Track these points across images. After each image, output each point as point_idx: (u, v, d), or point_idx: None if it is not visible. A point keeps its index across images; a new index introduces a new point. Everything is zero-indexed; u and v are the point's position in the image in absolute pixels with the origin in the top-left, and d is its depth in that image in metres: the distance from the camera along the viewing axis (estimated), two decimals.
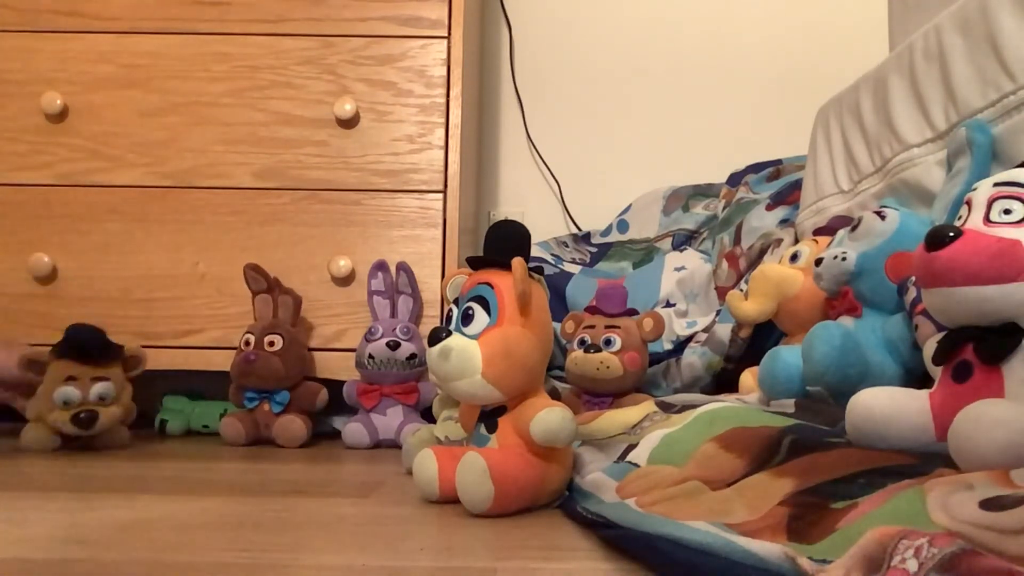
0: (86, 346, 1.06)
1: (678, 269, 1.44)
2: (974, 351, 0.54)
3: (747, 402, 0.88)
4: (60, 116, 1.31)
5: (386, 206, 1.32)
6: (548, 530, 0.64)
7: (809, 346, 0.81)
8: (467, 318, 0.71)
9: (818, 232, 1.04)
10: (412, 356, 1.20)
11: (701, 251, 1.49)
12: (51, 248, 1.30)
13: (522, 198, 1.78)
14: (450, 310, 0.74)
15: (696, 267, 1.43)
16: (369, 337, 1.20)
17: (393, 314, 1.25)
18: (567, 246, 1.67)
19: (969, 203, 0.58)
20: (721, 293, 1.33)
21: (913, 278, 0.77)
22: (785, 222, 1.33)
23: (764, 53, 1.77)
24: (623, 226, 1.67)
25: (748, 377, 1.03)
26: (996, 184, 0.57)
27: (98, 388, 1.04)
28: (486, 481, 0.66)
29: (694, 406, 0.79)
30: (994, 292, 0.53)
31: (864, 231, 0.83)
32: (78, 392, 1.04)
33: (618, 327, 1.08)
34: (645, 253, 1.60)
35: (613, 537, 0.56)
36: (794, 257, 1.01)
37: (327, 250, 1.31)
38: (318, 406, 1.23)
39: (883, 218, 0.83)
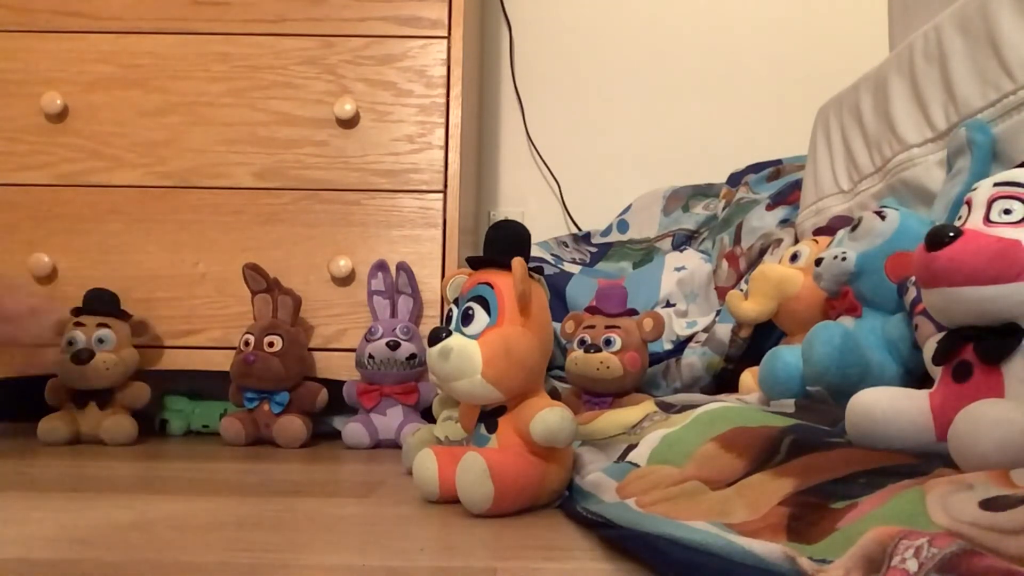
0: (94, 300, 1.22)
1: (678, 269, 1.44)
2: (974, 351, 0.54)
3: (747, 402, 0.88)
4: (60, 116, 1.31)
5: (386, 206, 1.32)
6: (548, 530, 0.64)
7: (809, 346, 0.81)
8: (467, 318, 0.71)
9: (818, 232, 1.04)
10: (412, 356, 1.20)
11: (701, 251, 1.49)
12: (51, 248, 1.30)
13: (522, 198, 1.78)
14: (450, 310, 0.74)
15: (696, 267, 1.43)
16: (369, 337, 1.20)
17: (393, 314, 1.25)
18: (567, 246, 1.67)
19: (969, 203, 0.58)
20: (721, 293, 1.33)
21: (913, 278, 0.77)
22: (785, 222, 1.33)
23: (764, 53, 1.77)
24: (623, 226, 1.67)
25: (748, 377, 1.03)
26: (996, 184, 0.57)
27: (99, 333, 1.19)
28: (486, 481, 0.66)
29: (694, 406, 0.79)
30: (994, 292, 0.53)
31: (864, 231, 0.83)
32: (83, 336, 1.18)
33: (618, 327, 1.08)
34: (645, 253, 1.60)
35: (613, 537, 0.56)
36: (794, 257, 1.01)
37: (327, 250, 1.31)
38: (318, 406, 1.23)
39: (883, 218, 0.83)
